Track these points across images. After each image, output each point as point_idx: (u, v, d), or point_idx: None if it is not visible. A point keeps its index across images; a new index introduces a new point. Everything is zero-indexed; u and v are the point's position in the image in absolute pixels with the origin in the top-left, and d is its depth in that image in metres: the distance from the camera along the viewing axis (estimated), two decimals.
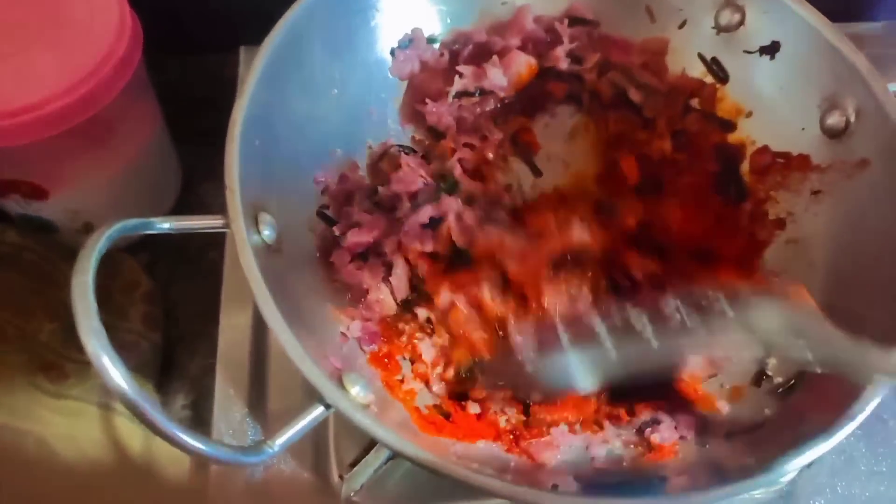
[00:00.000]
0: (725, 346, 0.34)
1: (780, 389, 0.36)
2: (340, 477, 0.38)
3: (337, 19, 0.40)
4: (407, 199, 0.42)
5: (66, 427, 0.48)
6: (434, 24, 0.44)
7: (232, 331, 0.43)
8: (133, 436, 0.48)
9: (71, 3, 0.45)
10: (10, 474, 0.45)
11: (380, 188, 0.43)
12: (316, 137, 0.40)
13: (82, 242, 0.51)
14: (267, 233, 0.34)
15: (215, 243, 0.56)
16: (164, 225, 0.30)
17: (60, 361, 0.49)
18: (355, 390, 0.31)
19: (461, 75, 0.43)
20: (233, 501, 0.37)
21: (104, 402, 0.48)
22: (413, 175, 0.43)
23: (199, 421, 0.49)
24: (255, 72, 0.34)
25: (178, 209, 0.57)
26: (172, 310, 0.55)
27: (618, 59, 0.44)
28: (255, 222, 0.33)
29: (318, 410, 0.28)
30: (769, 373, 0.37)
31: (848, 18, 0.56)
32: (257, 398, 0.41)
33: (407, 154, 0.45)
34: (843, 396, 0.30)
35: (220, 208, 0.57)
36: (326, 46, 0.40)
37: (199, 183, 0.59)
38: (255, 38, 0.61)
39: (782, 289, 0.35)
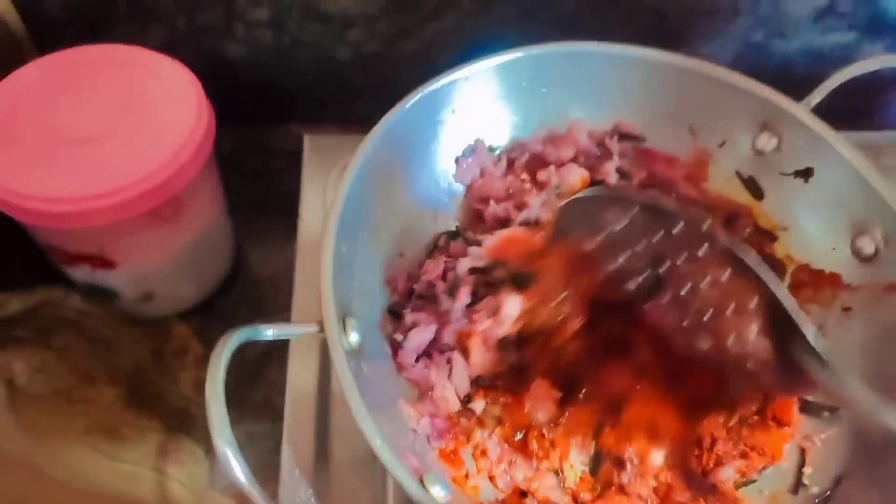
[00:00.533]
0: None
1: (817, 500, 0.39)
2: None
3: (413, 132, 0.43)
4: (442, 288, 0.44)
5: (122, 490, 0.50)
6: (495, 135, 0.48)
7: (297, 413, 0.45)
8: (185, 501, 0.51)
9: (153, 92, 0.49)
10: None
11: (414, 285, 0.45)
12: (388, 240, 0.43)
13: (142, 309, 0.55)
14: (353, 337, 0.36)
15: (261, 312, 0.59)
16: (269, 332, 0.33)
17: (119, 426, 0.51)
18: (435, 490, 0.33)
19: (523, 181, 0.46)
20: None
21: (158, 467, 0.50)
22: (437, 262, 0.45)
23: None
24: (345, 186, 0.37)
25: (231, 278, 0.60)
26: None
27: (662, 173, 0.47)
28: (343, 327, 0.36)
29: None
30: (806, 482, 0.40)
31: (870, 126, 0.61)
32: (322, 479, 0.43)
33: (452, 239, 0.48)
34: None
35: (268, 278, 0.61)
36: (404, 157, 0.43)
37: (249, 251, 0.62)
38: (306, 115, 0.65)
39: None
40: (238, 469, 0.29)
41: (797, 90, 0.46)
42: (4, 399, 0.48)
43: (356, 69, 0.63)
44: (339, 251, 0.36)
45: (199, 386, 0.56)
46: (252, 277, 0.61)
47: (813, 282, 0.44)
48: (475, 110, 0.47)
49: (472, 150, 0.47)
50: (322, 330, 0.34)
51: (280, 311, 0.56)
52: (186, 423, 0.54)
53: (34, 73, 0.50)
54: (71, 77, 0.50)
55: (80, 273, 0.52)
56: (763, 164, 0.47)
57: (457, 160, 0.48)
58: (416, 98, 0.42)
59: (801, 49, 0.63)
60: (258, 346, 0.52)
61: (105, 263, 0.51)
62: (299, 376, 0.46)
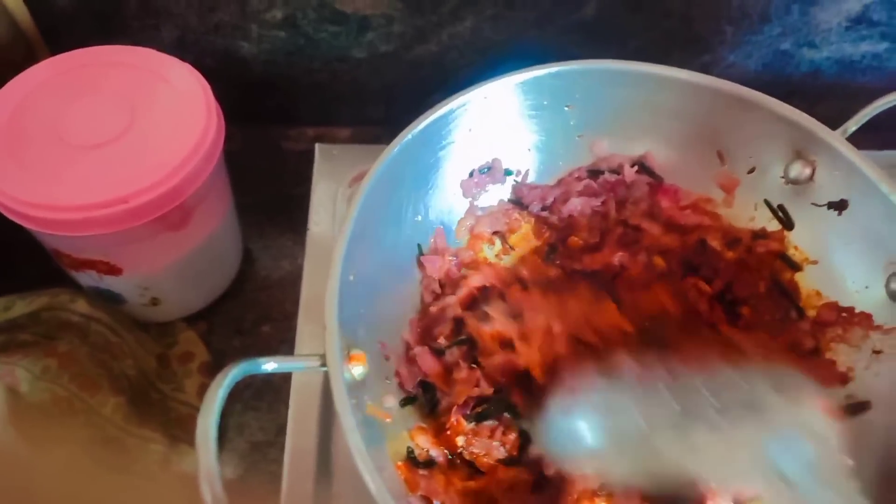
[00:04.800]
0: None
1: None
2: None
3: (426, 154, 0.42)
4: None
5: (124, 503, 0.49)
6: (513, 155, 0.47)
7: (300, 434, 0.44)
8: None
9: (162, 97, 0.47)
10: None
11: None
12: (398, 260, 0.42)
13: (148, 314, 0.54)
14: (357, 370, 0.35)
15: (268, 318, 0.58)
16: (272, 366, 0.32)
17: (122, 436, 0.50)
18: None
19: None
20: None
21: (162, 479, 0.49)
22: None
23: (248, 495, 0.51)
24: (352, 215, 0.36)
25: (239, 281, 0.59)
26: None
27: (666, 207, 0.46)
28: (348, 360, 0.35)
29: None
30: None
31: None
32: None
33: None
34: None
35: (276, 282, 0.60)
36: (415, 179, 0.42)
37: (257, 254, 0.61)
38: (318, 115, 0.64)
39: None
40: None
41: (826, 100, 0.44)
42: (6, 409, 0.47)
43: (371, 70, 0.61)
44: (346, 279, 0.35)
45: (204, 393, 0.55)
46: (260, 282, 0.60)
47: (842, 321, 0.42)
48: (493, 129, 0.45)
49: (489, 167, 0.46)
50: (324, 364, 0.32)
51: (288, 317, 0.55)
52: (190, 433, 0.53)
53: (43, 73, 0.49)
54: (79, 79, 0.48)
55: (87, 278, 0.51)
56: (794, 194, 0.45)
57: (471, 173, 0.46)
58: (431, 119, 0.41)
59: (830, 58, 0.61)
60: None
61: (111, 269, 0.50)
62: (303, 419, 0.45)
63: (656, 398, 0.36)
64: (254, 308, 0.59)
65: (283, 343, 0.53)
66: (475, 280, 0.42)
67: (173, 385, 0.56)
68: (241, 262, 0.60)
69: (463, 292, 0.41)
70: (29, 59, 0.52)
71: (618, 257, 0.45)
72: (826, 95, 0.63)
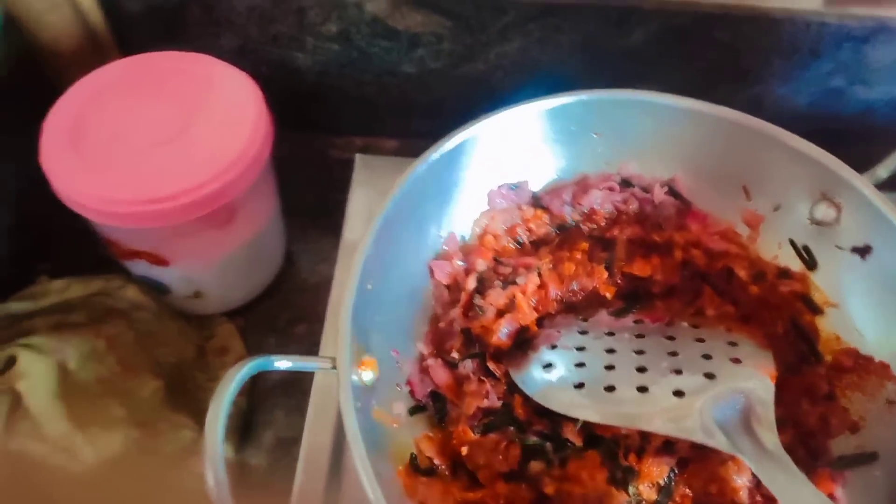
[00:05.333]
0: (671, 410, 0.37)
1: None
2: None
3: (451, 171, 0.43)
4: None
5: (153, 484, 0.52)
6: (537, 178, 0.48)
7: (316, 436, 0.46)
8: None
9: (217, 102, 0.50)
10: None
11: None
12: (418, 271, 0.43)
13: (191, 306, 0.57)
14: (368, 376, 0.37)
15: (303, 319, 0.61)
16: (285, 364, 0.34)
17: (155, 420, 0.53)
18: None
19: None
20: None
21: (188, 465, 0.52)
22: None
23: (265, 486, 0.53)
24: (379, 221, 0.38)
25: (279, 282, 0.61)
26: (258, 376, 0.59)
27: (694, 231, 0.46)
28: (358, 365, 0.36)
29: None
30: None
31: None
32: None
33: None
34: None
35: (313, 286, 0.62)
36: (439, 195, 0.43)
37: (298, 257, 0.63)
38: (366, 126, 0.66)
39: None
40: (220, 496, 0.29)
41: (877, 140, 0.44)
42: (57, 383, 0.50)
43: (418, 86, 0.63)
44: (364, 288, 0.37)
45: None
46: (298, 284, 0.63)
47: (859, 368, 0.42)
48: (520, 152, 0.46)
49: (517, 186, 0.47)
50: (335, 367, 0.34)
51: (321, 320, 0.57)
52: None
53: (110, 74, 0.52)
54: (143, 81, 0.52)
55: (136, 267, 0.55)
56: (819, 235, 0.44)
57: (500, 186, 0.47)
58: (457, 139, 0.42)
59: (882, 98, 0.60)
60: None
61: (159, 261, 0.53)
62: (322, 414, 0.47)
63: (622, 349, 0.41)
64: (290, 308, 0.61)
65: (315, 345, 0.55)
66: (471, 280, 0.43)
67: (208, 375, 0.58)
68: (283, 263, 0.62)
69: (463, 298, 0.43)
70: (100, 59, 0.55)
71: (627, 233, 0.46)
72: (877, 136, 0.61)
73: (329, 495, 0.43)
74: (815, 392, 0.42)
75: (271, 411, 0.57)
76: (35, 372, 0.50)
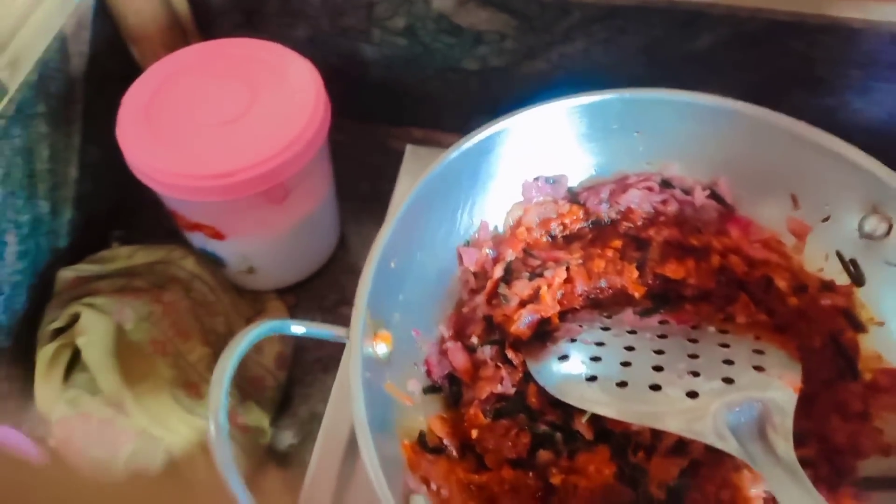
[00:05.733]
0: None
1: None
2: None
3: (487, 161, 0.44)
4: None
5: (190, 442, 0.55)
6: (575, 174, 0.48)
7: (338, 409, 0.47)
8: (241, 462, 0.54)
9: (275, 84, 0.53)
10: (137, 478, 0.52)
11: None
12: (447, 256, 0.44)
13: (245, 281, 0.59)
14: (382, 350, 0.38)
15: (350, 301, 0.62)
16: (300, 329, 0.35)
17: (200, 382, 0.56)
18: None
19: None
20: None
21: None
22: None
23: (299, 462, 0.55)
24: (407, 202, 0.39)
25: (331, 263, 0.63)
26: (300, 352, 0.61)
27: (734, 237, 0.45)
28: (373, 338, 0.37)
29: None
30: None
31: None
32: (347, 478, 0.45)
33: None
34: None
35: (361, 270, 0.63)
36: (472, 184, 0.44)
37: (351, 240, 0.65)
38: (425, 119, 0.67)
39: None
40: (222, 452, 0.31)
41: None
42: (113, 341, 0.54)
43: (480, 82, 0.64)
44: (386, 265, 0.38)
45: (280, 360, 0.60)
46: (348, 266, 0.65)
47: None
48: (558, 147, 0.46)
49: (555, 180, 0.47)
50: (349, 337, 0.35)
51: None
52: (260, 393, 0.58)
53: (188, 57, 0.56)
54: (216, 65, 0.55)
55: (196, 239, 0.58)
56: (868, 249, 0.42)
57: (536, 178, 0.47)
58: (493, 129, 0.42)
59: None
60: None
61: (216, 234, 0.56)
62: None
63: (641, 346, 0.40)
64: (338, 290, 0.63)
65: None
66: (498, 269, 0.44)
67: (255, 349, 0.61)
68: (336, 245, 0.64)
69: (488, 286, 0.43)
70: (184, 44, 0.59)
71: (664, 234, 0.45)
72: None
73: (343, 473, 0.45)
74: (847, 409, 0.40)
75: (310, 385, 0.59)
76: (94, 329, 0.53)
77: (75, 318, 0.54)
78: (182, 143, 0.50)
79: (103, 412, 0.54)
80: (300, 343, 0.60)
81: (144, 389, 0.54)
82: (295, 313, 0.62)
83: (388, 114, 0.69)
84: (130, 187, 0.53)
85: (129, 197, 0.64)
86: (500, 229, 0.47)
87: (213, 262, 0.60)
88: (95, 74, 0.59)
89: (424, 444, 0.39)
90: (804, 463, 0.35)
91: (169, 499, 0.30)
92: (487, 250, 0.45)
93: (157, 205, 0.55)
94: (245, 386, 0.58)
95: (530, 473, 0.39)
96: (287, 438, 0.58)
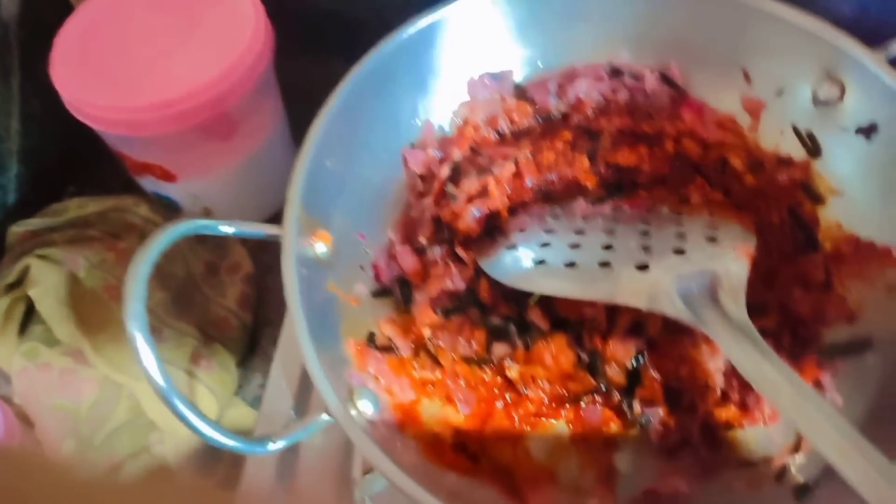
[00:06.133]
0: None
1: (798, 489, 0.34)
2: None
3: (423, 56, 0.42)
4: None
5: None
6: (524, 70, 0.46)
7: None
8: (209, 404, 0.53)
9: (212, 11, 0.51)
10: (101, 424, 0.50)
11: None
12: (391, 160, 0.43)
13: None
14: (321, 248, 0.36)
15: None
16: (228, 229, 0.34)
17: (160, 326, 0.54)
18: (362, 403, 0.33)
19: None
20: (264, 483, 0.41)
21: (190, 370, 0.53)
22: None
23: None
24: (338, 97, 0.37)
25: None
26: (266, 294, 0.59)
27: (688, 121, 0.43)
28: (310, 236, 0.36)
29: (322, 419, 0.30)
30: (793, 469, 0.35)
31: None
32: (303, 396, 0.44)
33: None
34: None
35: None
36: (413, 81, 0.42)
37: None
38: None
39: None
40: (145, 353, 0.30)
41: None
42: (66, 290, 0.53)
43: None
44: (321, 163, 0.36)
45: (244, 301, 0.59)
46: None
47: (859, 256, 0.38)
48: (498, 40, 0.45)
49: (500, 76, 0.45)
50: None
51: None
52: (225, 334, 0.57)
53: None
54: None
55: (148, 183, 0.56)
56: (823, 118, 0.41)
57: (480, 75, 0.45)
58: (427, 20, 0.41)
59: None
60: None
61: (166, 175, 0.55)
62: None
63: (592, 229, 0.39)
64: None
65: None
66: (444, 169, 0.42)
67: (218, 291, 0.59)
68: None
69: (436, 186, 0.42)
70: None
71: (616, 124, 0.43)
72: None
73: (300, 397, 0.43)
74: (809, 280, 0.39)
75: (279, 326, 0.57)
76: (45, 279, 0.52)
77: (27, 271, 0.53)
78: (118, 77, 0.48)
79: (63, 362, 0.53)
80: (267, 284, 0.59)
81: (103, 337, 0.52)
82: (260, 256, 0.61)
83: (342, 47, 0.67)
84: (82, 139, 0.51)
85: (81, 150, 0.62)
86: (447, 130, 0.45)
87: (167, 207, 0.58)
88: (29, 19, 0.57)
89: (374, 344, 0.38)
90: (765, 333, 0.33)
91: None
92: (433, 151, 0.43)
93: (111, 158, 0.53)
94: (208, 329, 0.56)
95: (486, 369, 0.38)
96: (256, 379, 0.56)
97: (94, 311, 0.53)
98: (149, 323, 0.53)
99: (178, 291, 0.58)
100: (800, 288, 0.39)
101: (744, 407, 0.37)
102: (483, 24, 0.43)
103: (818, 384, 0.37)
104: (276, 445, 0.30)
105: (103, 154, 0.53)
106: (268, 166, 0.58)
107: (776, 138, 0.43)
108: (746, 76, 0.43)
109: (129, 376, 0.52)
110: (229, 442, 0.30)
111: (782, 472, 0.36)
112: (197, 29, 0.50)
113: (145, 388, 0.53)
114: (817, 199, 0.41)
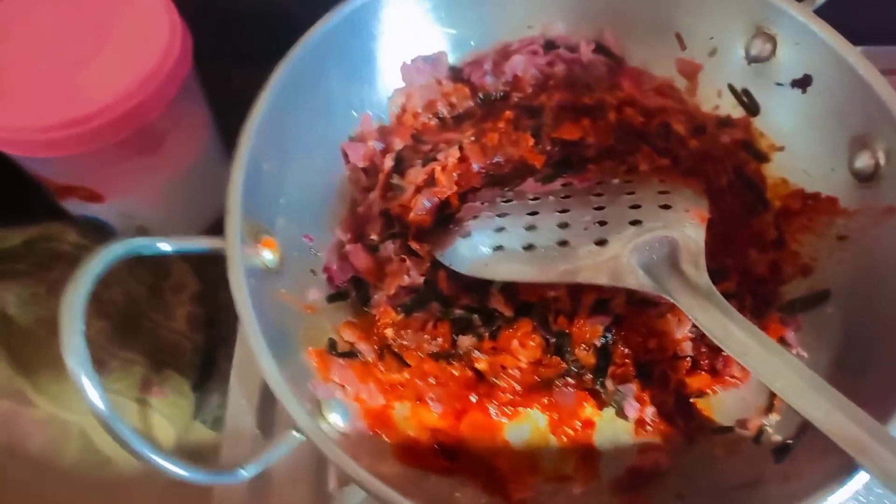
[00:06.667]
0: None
1: (776, 449, 0.35)
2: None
3: (351, 44, 0.41)
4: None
5: None
6: (459, 52, 0.45)
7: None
8: (166, 432, 0.51)
9: (122, 19, 0.48)
10: (54, 465, 0.48)
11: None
12: (329, 155, 0.41)
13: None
14: (268, 256, 0.35)
15: None
16: (167, 246, 0.32)
17: (105, 357, 0.52)
18: (333, 417, 0.31)
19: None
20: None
21: (142, 399, 0.51)
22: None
23: None
24: (267, 93, 0.35)
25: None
26: (218, 312, 0.57)
27: (627, 88, 0.43)
28: (255, 244, 0.34)
29: (293, 437, 0.29)
30: (770, 430, 0.36)
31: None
32: (266, 411, 0.42)
33: None
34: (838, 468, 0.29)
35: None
36: (345, 71, 0.41)
37: None
38: None
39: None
40: (89, 388, 0.28)
41: None
42: None
43: None
44: (257, 167, 0.34)
45: (193, 321, 0.56)
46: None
47: (807, 209, 0.39)
48: (427, 22, 0.43)
49: (433, 59, 0.44)
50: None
51: None
52: (177, 358, 0.55)
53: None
54: (52, 7, 0.50)
55: (74, 206, 0.53)
56: (758, 75, 0.41)
57: (414, 59, 0.44)
58: (351, 4, 0.39)
59: None
60: None
61: (92, 196, 0.52)
62: None
63: (545, 209, 0.38)
64: None
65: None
66: (388, 160, 0.41)
67: (164, 314, 0.57)
68: None
69: (381, 179, 0.40)
70: None
71: (556, 98, 0.43)
72: None
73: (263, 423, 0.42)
74: (762, 240, 0.39)
75: (234, 345, 0.55)
76: None
77: None
78: (25, 94, 0.45)
79: (2, 406, 0.50)
80: (220, 302, 0.57)
81: (45, 375, 0.50)
82: (205, 271, 0.58)
83: (270, 51, 0.64)
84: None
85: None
86: (386, 119, 0.44)
87: (98, 230, 0.55)
88: None
89: (335, 351, 0.36)
90: (727, 296, 0.34)
91: None
92: (374, 143, 0.42)
93: (31, 182, 0.50)
94: (158, 354, 0.54)
95: (455, 364, 0.37)
96: (215, 400, 0.54)
97: (31, 349, 0.50)
98: (90, 355, 0.52)
99: (121, 319, 0.55)
100: (755, 248, 0.39)
101: (714, 372, 0.37)
102: (409, 6, 0.42)
103: (783, 341, 0.37)
104: (247, 473, 0.28)
105: (22, 179, 0.49)
106: (201, 177, 0.56)
107: (714, 100, 0.43)
108: (680, 39, 0.43)
109: (77, 412, 0.49)
110: (195, 476, 0.28)
111: (759, 434, 0.36)
112: (107, 36, 0.47)
113: (97, 424, 0.50)
114: (761, 157, 0.41)
